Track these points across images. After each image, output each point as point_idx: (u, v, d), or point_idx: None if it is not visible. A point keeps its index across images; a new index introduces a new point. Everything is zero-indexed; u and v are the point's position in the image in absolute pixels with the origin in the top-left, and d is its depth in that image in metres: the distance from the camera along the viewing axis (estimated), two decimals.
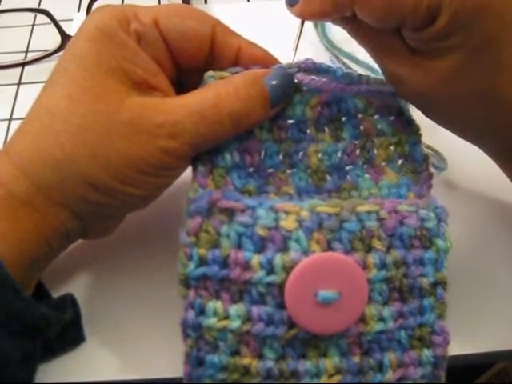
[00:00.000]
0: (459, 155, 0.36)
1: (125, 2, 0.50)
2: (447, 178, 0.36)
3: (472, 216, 0.35)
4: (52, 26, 0.44)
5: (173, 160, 0.26)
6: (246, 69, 0.28)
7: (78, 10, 0.49)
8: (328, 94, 0.28)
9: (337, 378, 0.25)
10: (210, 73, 0.27)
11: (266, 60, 0.28)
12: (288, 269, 0.24)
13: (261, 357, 0.25)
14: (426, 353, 0.26)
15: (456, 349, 0.30)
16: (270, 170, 0.28)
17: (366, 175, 0.28)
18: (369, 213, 0.26)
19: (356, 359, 0.26)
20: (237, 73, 0.27)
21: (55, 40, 0.44)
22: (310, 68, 0.28)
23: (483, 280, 0.33)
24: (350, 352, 0.26)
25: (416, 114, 0.29)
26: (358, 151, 0.29)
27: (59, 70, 0.27)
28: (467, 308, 0.32)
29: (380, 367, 0.26)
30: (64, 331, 0.28)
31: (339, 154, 0.28)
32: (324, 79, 0.28)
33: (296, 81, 0.28)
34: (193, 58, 0.28)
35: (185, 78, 0.29)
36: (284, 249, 0.25)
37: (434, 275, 0.26)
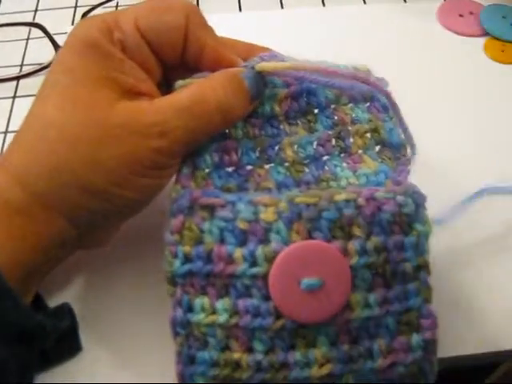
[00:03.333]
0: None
1: (119, 8, 0.50)
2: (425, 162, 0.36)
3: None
4: (46, 40, 0.45)
5: (165, 159, 0.27)
6: (213, 72, 0.28)
7: (72, 24, 0.50)
8: (295, 86, 0.29)
9: (327, 368, 0.26)
10: (180, 82, 0.28)
11: (227, 61, 0.29)
12: (270, 259, 0.25)
13: (250, 350, 0.26)
14: (416, 337, 0.26)
15: (460, 349, 0.30)
16: (249, 167, 0.28)
17: (344, 164, 0.29)
18: (347, 201, 0.26)
19: (345, 347, 0.26)
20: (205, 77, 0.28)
21: (50, 53, 0.44)
22: (273, 60, 0.28)
23: (486, 277, 0.33)
24: (338, 340, 0.26)
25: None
26: (333, 141, 0.29)
27: (50, 82, 0.28)
28: (472, 307, 0.32)
29: (370, 354, 0.26)
30: (61, 340, 0.28)
31: (314, 145, 0.29)
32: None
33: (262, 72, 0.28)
34: (175, 52, 0.29)
35: (173, 74, 0.30)
36: (265, 240, 0.25)
37: (416, 259, 0.27)
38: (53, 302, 0.30)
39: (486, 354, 0.31)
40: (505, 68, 0.44)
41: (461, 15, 0.48)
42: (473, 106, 0.41)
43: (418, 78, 0.43)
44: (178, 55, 0.29)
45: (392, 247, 0.26)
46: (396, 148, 0.29)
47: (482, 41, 0.46)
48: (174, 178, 0.28)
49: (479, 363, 0.33)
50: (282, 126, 0.29)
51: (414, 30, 0.46)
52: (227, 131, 0.28)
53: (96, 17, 0.28)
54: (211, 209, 0.26)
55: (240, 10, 0.51)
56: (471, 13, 0.48)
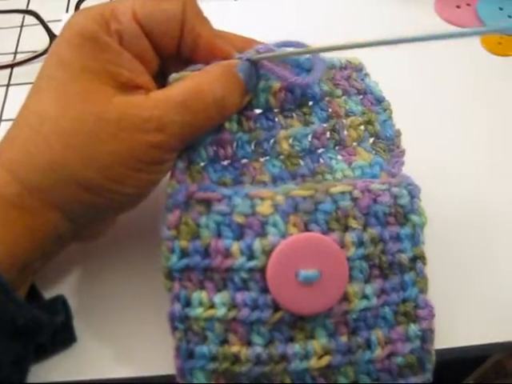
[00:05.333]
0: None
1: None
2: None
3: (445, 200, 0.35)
4: (40, 27, 0.44)
5: (162, 153, 0.27)
6: (207, 64, 0.28)
7: (67, 11, 0.50)
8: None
9: (326, 359, 0.26)
10: (175, 75, 0.28)
11: (222, 53, 0.28)
12: (268, 252, 0.25)
13: (249, 343, 0.26)
14: (413, 327, 0.27)
15: (450, 342, 0.30)
16: (244, 161, 0.28)
17: (339, 157, 0.29)
18: (342, 193, 0.26)
19: (344, 339, 0.26)
20: (199, 70, 0.28)
21: (44, 41, 0.44)
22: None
23: (473, 271, 0.33)
24: (337, 332, 0.26)
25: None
26: (327, 134, 0.29)
27: (45, 76, 0.27)
28: (460, 301, 0.32)
29: (368, 345, 0.26)
30: (55, 332, 0.28)
31: (309, 138, 0.29)
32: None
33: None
34: (172, 41, 0.28)
35: (168, 66, 0.29)
36: (262, 234, 0.25)
37: (412, 250, 0.27)
38: (48, 294, 0.30)
39: (475, 346, 0.31)
40: (502, 60, 0.44)
41: (458, 6, 0.48)
42: (469, 98, 0.41)
43: (413, 70, 0.43)
44: (174, 45, 0.28)
45: (388, 238, 0.26)
46: (389, 140, 0.29)
47: None
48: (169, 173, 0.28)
49: (468, 356, 0.33)
50: (277, 119, 0.29)
51: (411, 20, 0.46)
52: (222, 124, 0.28)
53: (92, 8, 0.28)
54: (207, 203, 0.26)
55: None
56: (468, 4, 0.48)
